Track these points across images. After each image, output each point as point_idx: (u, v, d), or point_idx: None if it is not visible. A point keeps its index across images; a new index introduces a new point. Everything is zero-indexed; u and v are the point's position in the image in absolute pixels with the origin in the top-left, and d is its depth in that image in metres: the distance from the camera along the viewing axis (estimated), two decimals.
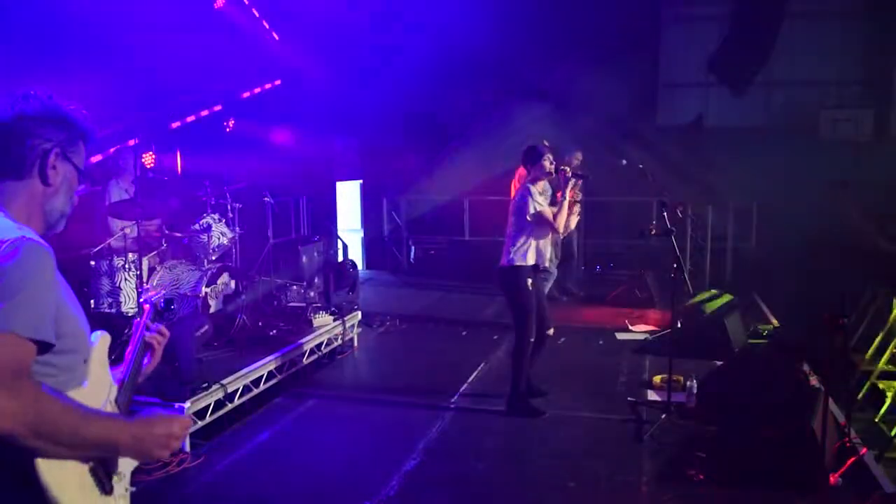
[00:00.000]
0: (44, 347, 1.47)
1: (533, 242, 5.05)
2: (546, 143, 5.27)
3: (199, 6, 8.11)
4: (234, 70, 8.93)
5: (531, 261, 5.06)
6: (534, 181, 5.12)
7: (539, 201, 5.02)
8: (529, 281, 5.06)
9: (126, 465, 1.74)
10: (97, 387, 1.73)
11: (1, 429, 1.34)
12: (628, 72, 10.47)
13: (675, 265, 4.98)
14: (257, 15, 9.04)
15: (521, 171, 6.58)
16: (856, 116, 11.06)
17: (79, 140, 1.69)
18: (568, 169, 5.19)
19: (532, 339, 5.10)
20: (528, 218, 4.98)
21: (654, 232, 6.99)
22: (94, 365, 1.72)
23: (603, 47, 10.05)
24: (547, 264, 5.25)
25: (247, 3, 8.83)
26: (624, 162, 7.40)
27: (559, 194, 6.37)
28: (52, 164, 1.63)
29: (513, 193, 5.75)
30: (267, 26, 9.20)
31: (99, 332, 1.83)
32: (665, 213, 5.15)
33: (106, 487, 1.63)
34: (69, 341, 1.59)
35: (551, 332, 5.40)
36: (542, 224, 5.04)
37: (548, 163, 5.10)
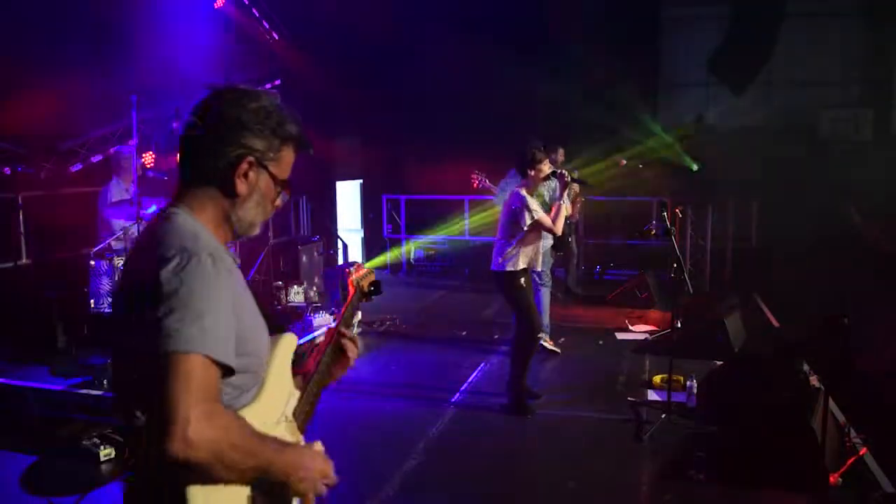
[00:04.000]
0: (226, 372, 1.37)
1: (523, 248, 5.07)
2: (542, 148, 5.24)
3: (198, 6, 8.11)
4: (233, 70, 8.93)
5: (522, 265, 5.08)
6: (528, 186, 5.09)
7: (535, 209, 5.00)
8: (522, 280, 5.10)
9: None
10: (274, 400, 1.60)
11: (195, 459, 1.24)
12: (628, 72, 10.47)
13: (675, 265, 4.98)
14: (257, 15, 9.04)
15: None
16: (856, 116, 11.06)
17: (282, 147, 1.55)
18: (567, 173, 5.18)
19: (536, 335, 5.13)
20: (525, 227, 4.97)
21: (653, 232, 7.00)
22: (272, 375, 1.60)
23: (603, 47, 10.04)
24: (539, 267, 5.25)
25: (247, 3, 8.82)
26: (624, 162, 7.42)
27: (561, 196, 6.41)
28: (244, 172, 1.50)
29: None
30: (267, 26, 9.20)
31: (285, 334, 1.70)
32: (665, 213, 5.16)
33: None
34: (249, 360, 1.48)
35: (542, 335, 5.42)
36: (537, 230, 5.06)
37: (545, 167, 5.08)
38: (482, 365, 6.30)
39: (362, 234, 11.51)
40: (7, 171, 6.53)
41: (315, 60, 9.32)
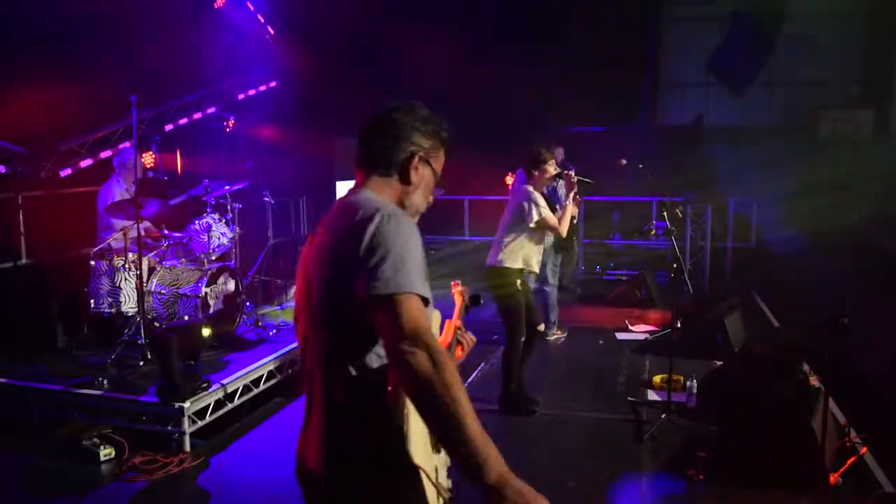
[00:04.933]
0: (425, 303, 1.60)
1: (525, 245, 5.03)
2: (549, 148, 5.23)
3: (199, 5, 8.11)
4: (234, 70, 8.93)
5: (519, 264, 5.03)
6: (535, 185, 5.09)
7: (543, 206, 4.99)
8: (518, 282, 5.04)
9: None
10: None
11: (441, 376, 1.44)
12: (628, 71, 10.48)
13: (675, 265, 4.98)
14: (257, 15, 9.04)
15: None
16: (856, 116, 11.07)
17: (441, 149, 1.91)
18: (573, 174, 5.17)
19: (523, 339, 5.09)
20: (532, 225, 4.95)
21: (653, 232, 7.00)
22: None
23: (603, 47, 10.05)
24: (536, 269, 5.22)
25: (246, 2, 8.82)
26: (624, 162, 7.43)
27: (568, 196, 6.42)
28: (415, 166, 1.84)
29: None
30: (266, 26, 9.20)
31: (434, 310, 1.86)
32: (665, 213, 5.15)
33: (437, 446, 1.83)
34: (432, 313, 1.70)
35: (542, 327, 5.37)
36: (541, 230, 5.03)
37: (551, 167, 5.07)
38: (482, 365, 6.30)
39: None
40: (7, 170, 6.53)
41: (314, 60, 9.32)
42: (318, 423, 1.71)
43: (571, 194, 5.13)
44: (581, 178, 5.30)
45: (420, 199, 1.89)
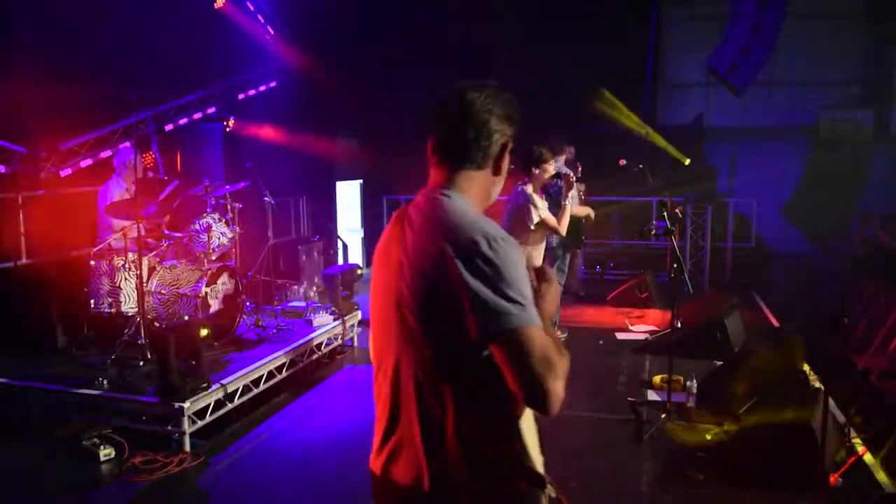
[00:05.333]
0: None
1: (527, 247, 5.04)
2: (552, 148, 5.23)
3: (199, 6, 8.11)
4: (234, 70, 8.93)
5: None
6: (534, 184, 5.08)
7: (541, 206, 4.98)
8: None
9: None
10: None
11: (555, 410, 1.46)
12: (628, 72, 10.48)
13: (675, 265, 4.97)
14: (257, 15, 9.03)
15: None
16: (856, 116, 11.07)
17: (514, 129, 1.80)
18: (571, 174, 5.18)
19: None
20: (532, 227, 4.95)
21: (653, 232, 7.00)
22: None
23: (603, 47, 10.05)
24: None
25: (247, 3, 8.82)
26: (624, 162, 7.43)
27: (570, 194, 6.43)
28: (505, 156, 1.76)
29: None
30: (266, 26, 9.20)
31: None
32: (665, 213, 5.15)
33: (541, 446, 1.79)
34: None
35: None
36: (541, 230, 5.03)
37: (551, 167, 5.07)
38: None
39: (362, 234, 11.51)
40: (7, 170, 6.53)
41: (314, 60, 9.32)
42: (416, 441, 1.61)
43: (570, 194, 5.14)
44: (581, 179, 5.30)
45: (500, 185, 1.82)
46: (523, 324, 1.47)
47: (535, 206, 4.95)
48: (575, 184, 5.20)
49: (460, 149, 1.71)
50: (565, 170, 6.91)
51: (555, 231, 5.06)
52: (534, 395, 1.45)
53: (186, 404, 4.43)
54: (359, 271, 7.32)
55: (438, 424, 1.58)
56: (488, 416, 1.58)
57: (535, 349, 1.45)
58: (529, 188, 5.03)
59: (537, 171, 5.05)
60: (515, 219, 5.02)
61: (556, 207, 5.42)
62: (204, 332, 4.94)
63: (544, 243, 5.25)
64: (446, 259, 1.53)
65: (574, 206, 6.95)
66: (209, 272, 5.73)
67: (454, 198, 1.66)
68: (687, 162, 9.44)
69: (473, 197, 1.72)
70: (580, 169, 7.42)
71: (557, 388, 1.45)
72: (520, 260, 1.55)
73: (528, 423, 1.65)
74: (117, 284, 5.62)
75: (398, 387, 1.66)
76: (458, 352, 1.55)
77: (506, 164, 1.77)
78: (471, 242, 1.52)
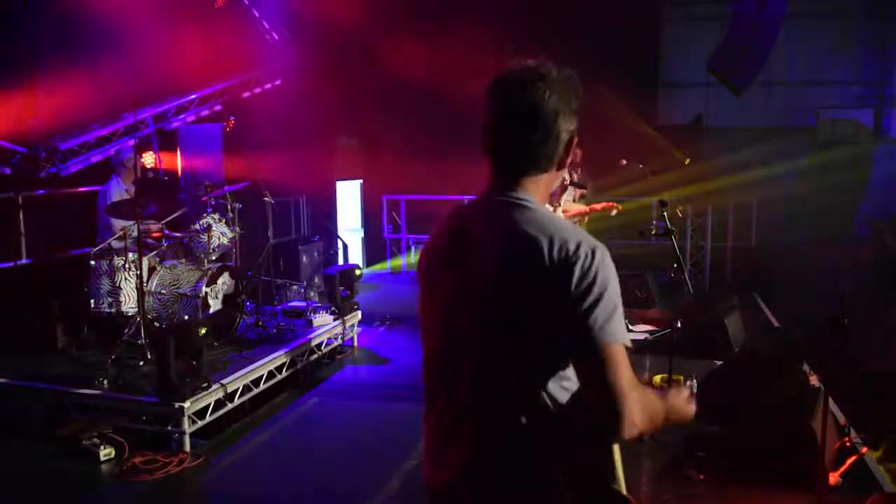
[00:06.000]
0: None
1: None
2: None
3: (199, 6, 8.11)
4: (234, 70, 8.93)
5: None
6: None
7: None
8: None
9: None
10: None
11: (632, 436, 1.42)
12: (628, 72, 10.47)
13: (675, 265, 4.97)
14: (257, 15, 9.04)
15: None
16: (856, 116, 11.07)
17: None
18: (565, 178, 5.21)
19: None
20: None
21: (654, 232, 7.00)
22: None
23: (603, 47, 10.04)
24: None
25: (247, 3, 8.82)
26: (624, 162, 7.43)
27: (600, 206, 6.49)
28: (571, 150, 1.64)
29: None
30: (267, 26, 9.20)
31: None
32: (665, 213, 5.15)
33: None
34: None
35: None
36: None
37: None
38: None
39: (362, 234, 11.51)
40: (7, 171, 6.53)
41: (315, 60, 9.32)
42: (480, 453, 1.55)
43: (563, 195, 5.18)
44: (574, 184, 5.34)
45: (561, 178, 1.73)
46: (614, 341, 1.43)
47: None
48: (571, 187, 5.23)
49: (527, 156, 1.58)
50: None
51: None
52: (608, 411, 1.40)
53: (186, 404, 4.43)
54: (357, 271, 7.32)
55: (507, 437, 1.54)
56: (566, 434, 1.54)
57: (619, 369, 1.41)
58: None
59: None
60: None
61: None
62: (202, 330, 4.94)
63: None
64: (532, 261, 1.46)
65: (573, 205, 7.00)
66: (209, 272, 5.73)
67: (532, 207, 1.56)
68: (687, 161, 9.44)
69: (541, 198, 1.63)
70: (579, 172, 7.44)
71: (635, 412, 1.40)
72: (614, 275, 1.51)
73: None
74: (117, 284, 5.62)
75: (454, 397, 1.60)
76: (539, 366, 1.51)
77: (570, 155, 1.65)
78: (568, 250, 1.46)
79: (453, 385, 1.60)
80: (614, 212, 6.60)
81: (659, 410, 1.53)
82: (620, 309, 1.47)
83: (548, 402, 1.51)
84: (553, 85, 1.56)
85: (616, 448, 1.63)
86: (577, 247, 1.46)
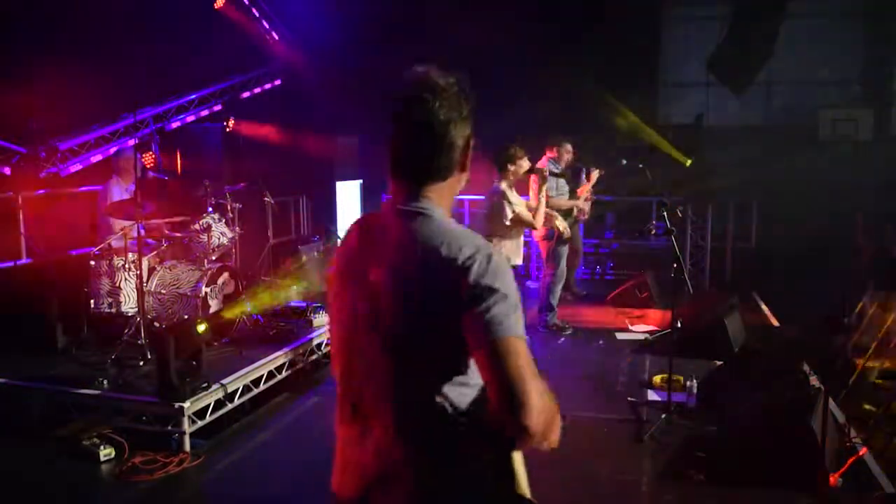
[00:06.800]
0: None
1: (505, 241, 5.18)
2: (519, 146, 5.34)
3: (199, 6, 8.11)
4: (234, 70, 8.94)
5: None
6: (507, 182, 5.19)
7: (516, 202, 5.11)
8: None
9: None
10: None
11: (536, 428, 1.40)
12: (628, 72, 10.48)
13: (675, 265, 4.98)
14: (257, 15, 9.04)
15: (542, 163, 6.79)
16: (856, 116, 11.06)
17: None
18: (544, 170, 5.26)
19: None
20: (507, 223, 5.07)
21: (654, 232, 7.00)
22: None
23: (603, 47, 10.05)
24: (519, 262, 5.36)
25: (247, 3, 8.83)
26: (624, 162, 7.43)
27: (580, 191, 6.53)
28: (469, 151, 1.67)
29: (531, 192, 5.82)
30: (267, 26, 9.20)
31: None
32: (665, 213, 5.16)
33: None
34: None
35: None
36: (518, 225, 5.13)
37: (525, 164, 5.19)
38: None
39: None
40: (7, 171, 6.53)
41: (315, 60, 9.32)
42: (388, 460, 1.57)
43: (544, 189, 5.24)
44: (553, 174, 5.42)
45: (465, 180, 1.74)
46: (513, 334, 1.45)
47: (509, 202, 5.12)
48: (553, 178, 5.33)
49: (424, 166, 1.62)
50: (557, 167, 6.97)
51: (530, 226, 5.18)
52: (511, 399, 1.40)
53: (186, 404, 4.43)
54: None
55: (414, 443, 1.55)
56: (471, 437, 1.55)
57: (523, 356, 1.44)
58: (503, 185, 5.18)
59: (512, 168, 5.18)
60: (492, 215, 5.17)
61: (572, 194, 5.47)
62: (202, 327, 4.94)
63: (521, 238, 5.34)
64: (435, 265, 1.50)
65: (560, 200, 7.04)
66: (209, 272, 5.73)
67: (433, 216, 1.59)
68: (688, 163, 9.44)
69: (445, 205, 1.66)
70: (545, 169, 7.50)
71: (537, 399, 1.40)
72: (510, 272, 1.53)
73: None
74: (117, 284, 5.62)
75: (366, 403, 1.62)
76: (442, 366, 1.53)
77: (470, 157, 1.69)
78: (467, 258, 1.49)
79: (360, 393, 1.64)
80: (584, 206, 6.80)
81: (555, 411, 1.51)
82: (520, 309, 1.50)
83: (447, 406, 1.53)
84: (441, 95, 1.59)
85: (517, 453, 1.61)
86: (474, 252, 1.50)
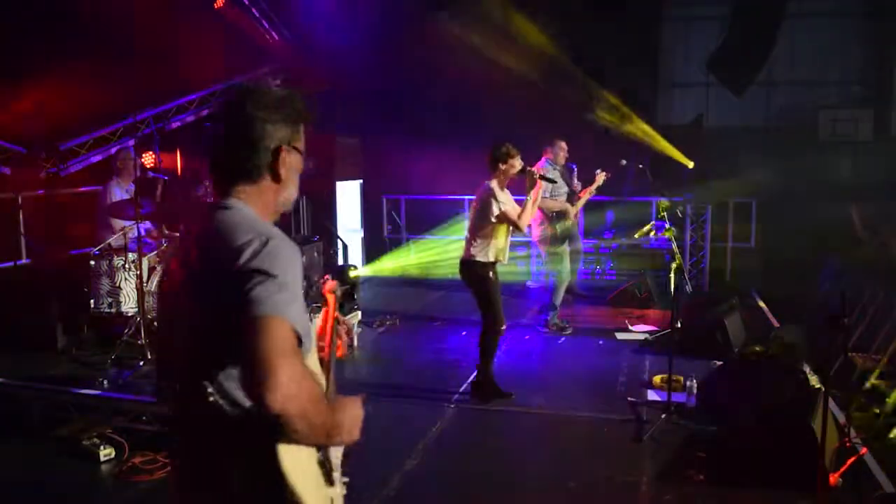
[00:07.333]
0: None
1: (493, 240, 5.19)
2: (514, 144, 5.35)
3: (199, 6, 8.11)
4: (234, 70, 8.93)
5: (491, 257, 5.21)
6: (499, 180, 5.20)
7: (503, 200, 5.12)
8: (491, 273, 5.22)
9: (336, 455, 1.78)
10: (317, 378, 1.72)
11: (288, 411, 1.35)
12: (628, 72, 10.47)
13: (674, 265, 4.98)
14: (257, 15, 9.03)
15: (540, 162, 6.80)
16: (856, 116, 11.06)
17: (301, 125, 1.71)
18: (535, 170, 5.27)
19: (503, 328, 5.27)
20: (493, 219, 5.08)
21: (654, 232, 7.00)
22: (312, 355, 1.73)
23: (603, 47, 10.05)
24: (506, 261, 5.36)
25: (247, 3, 8.82)
26: (624, 162, 7.43)
27: (582, 194, 6.54)
28: (283, 160, 1.66)
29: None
30: (266, 26, 9.20)
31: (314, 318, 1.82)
32: (665, 213, 5.16)
33: (330, 479, 1.70)
34: (306, 340, 1.57)
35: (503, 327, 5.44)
36: (504, 223, 5.14)
37: (517, 163, 5.20)
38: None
39: (362, 234, 11.51)
40: (7, 171, 6.53)
41: (314, 60, 9.31)
42: (195, 463, 1.58)
43: (534, 190, 5.24)
44: (543, 177, 5.43)
45: (292, 189, 1.72)
46: (271, 313, 1.39)
47: (497, 200, 5.13)
48: (539, 181, 5.32)
49: (229, 166, 1.65)
50: (551, 166, 6.98)
51: (514, 225, 5.18)
52: (253, 377, 1.35)
53: None
54: (354, 272, 7.33)
55: (208, 447, 1.54)
56: (247, 440, 1.48)
57: (277, 337, 1.38)
58: (494, 183, 5.21)
59: (503, 167, 5.19)
60: (480, 212, 5.19)
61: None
62: None
63: (508, 238, 5.32)
64: (223, 257, 1.48)
65: (550, 202, 7.06)
66: None
67: (233, 208, 1.60)
68: (691, 165, 9.44)
69: (259, 209, 1.65)
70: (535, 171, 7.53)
71: (285, 380, 1.34)
72: (291, 261, 1.50)
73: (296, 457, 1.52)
74: (117, 284, 5.62)
75: (182, 409, 1.61)
76: (223, 366, 1.47)
77: (287, 168, 1.67)
78: (245, 243, 1.48)
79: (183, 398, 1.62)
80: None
81: (322, 406, 1.46)
82: (292, 293, 1.45)
83: (218, 398, 1.48)
84: (254, 99, 1.62)
85: (287, 457, 1.49)
86: (252, 237, 1.49)
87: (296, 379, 1.37)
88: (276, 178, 1.67)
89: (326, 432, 1.49)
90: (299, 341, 1.46)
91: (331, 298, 2.21)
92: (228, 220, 1.57)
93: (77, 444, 4.40)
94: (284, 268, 1.47)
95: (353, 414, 1.64)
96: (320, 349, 1.94)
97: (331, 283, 2.29)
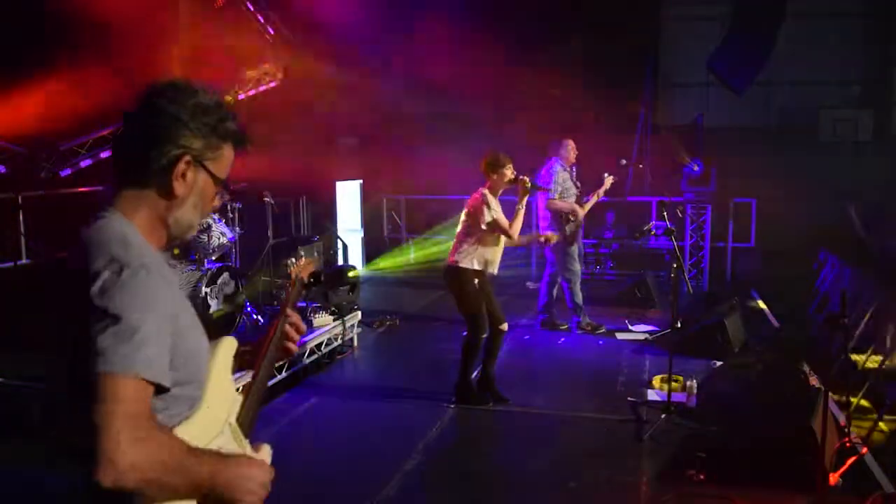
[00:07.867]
0: (160, 388, 1.32)
1: (480, 248, 5.16)
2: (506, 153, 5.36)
3: (199, 5, 8.11)
4: (233, 70, 8.93)
5: (477, 266, 5.16)
6: (492, 188, 5.21)
7: (495, 208, 5.11)
8: (476, 281, 5.17)
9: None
10: (216, 409, 1.55)
11: (123, 485, 1.20)
12: (628, 72, 10.48)
13: (674, 265, 4.98)
14: (257, 14, 9.03)
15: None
16: (856, 116, 11.07)
17: (223, 146, 1.48)
18: (526, 179, 5.26)
19: (484, 336, 5.21)
20: (483, 226, 5.07)
21: (654, 232, 7.01)
22: (212, 383, 1.55)
23: (603, 47, 10.05)
24: (495, 271, 5.30)
25: (246, 2, 8.82)
26: (623, 162, 7.44)
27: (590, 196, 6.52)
28: (182, 173, 1.42)
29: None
30: (266, 25, 9.20)
31: (224, 339, 1.65)
32: (665, 213, 5.16)
33: None
34: (187, 372, 1.42)
35: (504, 327, 5.41)
36: (495, 231, 5.13)
37: (509, 171, 5.20)
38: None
39: (362, 234, 11.51)
40: (7, 171, 6.53)
41: (314, 59, 9.32)
42: None
43: (525, 199, 5.23)
44: (535, 185, 5.44)
45: (191, 213, 1.47)
46: (110, 370, 1.22)
47: (489, 207, 5.10)
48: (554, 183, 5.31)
49: (123, 158, 1.44)
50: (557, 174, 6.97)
51: (505, 234, 5.14)
52: (94, 447, 1.19)
53: None
54: (353, 272, 7.32)
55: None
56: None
57: (116, 400, 1.20)
58: (486, 190, 5.20)
59: (495, 176, 5.20)
60: (471, 218, 5.18)
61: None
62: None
63: (502, 246, 5.28)
64: (75, 289, 1.30)
65: (558, 203, 7.05)
66: (209, 272, 5.73)
67: (105, 219, 1.40)
68: (695, 167, 9.45)
69: (141, 223, 1.43)
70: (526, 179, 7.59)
71: (119, 455, 1.17)
72: (146, 297, 1.29)
73: None
74: None
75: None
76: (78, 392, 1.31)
77: (184, 185, 1.42)
78: (94, 274, 1.28)
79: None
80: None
81: (192, 469, 1.29)
82: (143, 336, 1.26)
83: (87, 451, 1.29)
84: (181, 94, 1.42)
85: None
86: (106, 264, 1.29)
87: (138, 447, 1.20)
88: (166, 190, 1.42)
89: (196, 491, 1.31)
90: (160, 388, 1.30)
91: (293, 284, 1.99)
92: (94, 235, 1.37)
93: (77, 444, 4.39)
94: (133, 306, 1.26)
95: (242, 473, 1.43)
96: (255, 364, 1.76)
97: (302, 263, 2.07)
